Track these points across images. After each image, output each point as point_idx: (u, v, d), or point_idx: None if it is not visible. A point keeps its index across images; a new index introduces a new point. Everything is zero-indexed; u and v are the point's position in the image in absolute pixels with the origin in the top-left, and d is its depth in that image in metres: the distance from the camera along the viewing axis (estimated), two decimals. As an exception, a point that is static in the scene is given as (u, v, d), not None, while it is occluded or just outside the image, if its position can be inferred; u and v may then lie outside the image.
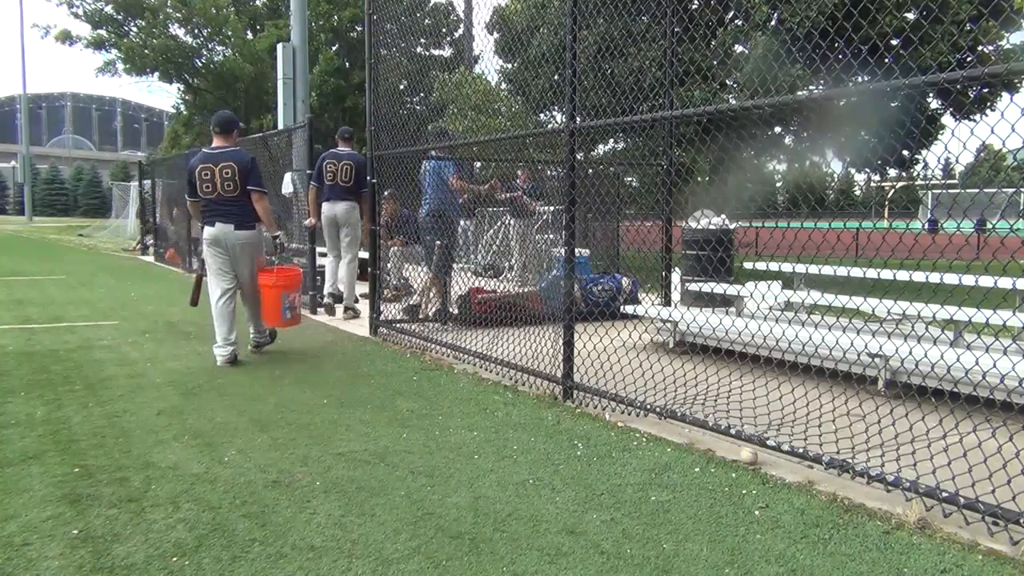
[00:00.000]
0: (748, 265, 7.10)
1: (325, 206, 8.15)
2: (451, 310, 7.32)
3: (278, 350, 6.26)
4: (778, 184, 15.11)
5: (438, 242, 7.15)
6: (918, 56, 10.90)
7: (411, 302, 7.61)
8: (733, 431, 3.64)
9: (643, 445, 3.77)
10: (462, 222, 10.98)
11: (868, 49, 9.95)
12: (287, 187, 9.54)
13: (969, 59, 11.89)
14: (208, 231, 5.77)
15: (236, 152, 5.85)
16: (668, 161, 6.60)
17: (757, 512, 2.94)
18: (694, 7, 11.24)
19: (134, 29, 29.51)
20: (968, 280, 4.36)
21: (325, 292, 8.45)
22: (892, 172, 15.71)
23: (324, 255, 8.53)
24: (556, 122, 11.20)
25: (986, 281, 4.13)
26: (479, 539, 2.68)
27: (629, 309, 6.38)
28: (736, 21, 13.19)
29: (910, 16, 12.15)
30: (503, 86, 15.56)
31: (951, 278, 4.86)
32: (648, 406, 4.12)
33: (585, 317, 5.90)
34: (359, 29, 29.01)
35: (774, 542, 2.67)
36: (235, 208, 5.73)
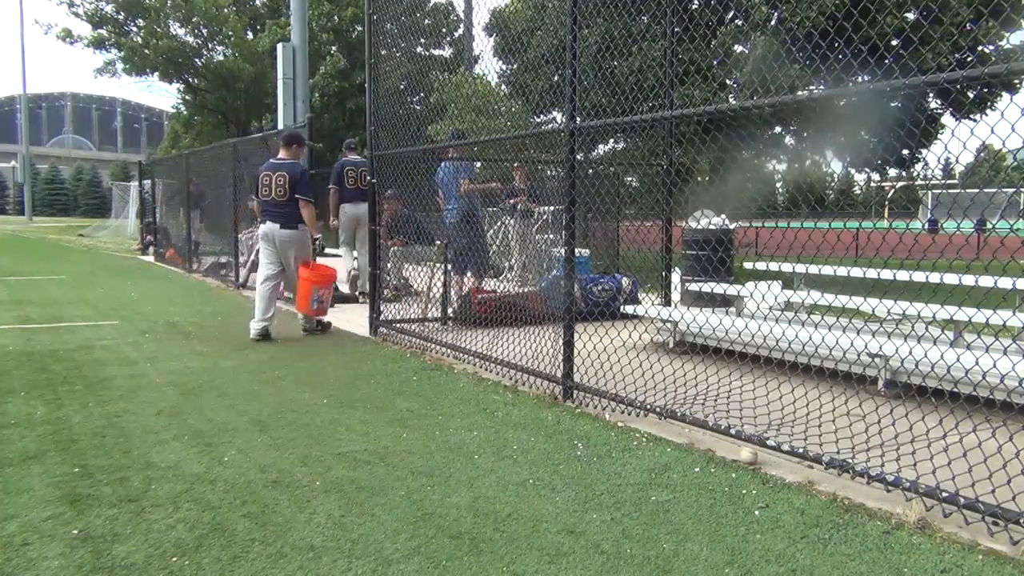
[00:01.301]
0: (748, 265, 7.10)
1: (348, 207, 9.22)
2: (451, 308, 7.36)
3: (278, 350, 6.27)
4: (778, 184, 15.10)
5: (474, 241, 7.35)
6: (918, 56, 10.89)
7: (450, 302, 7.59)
8: (733, 431, 3.64)
9: (643, 445, 3.77)
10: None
11: (868, 49, 9.94)
12: None
13: (969, 59, 11.88)
14: (261, 228, 6.97)
15: (292, 164, 6.96)
16: (668, 161, 6.60)
17: (757, 512, 2.94)
18: (694, 7, 11.24)
19: (134, 28, 29.51)
20: (968, 280, 4.36)
21: (364, 290, 8.99)
22: (892, 172, 15.70)
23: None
24: (556, 122, 11.18)
25: (986, 281, 4.12)
26: (479, 539, 2.68)
27: (629, 309, 6.38)
28: (736, 21, 13.18)
29: (910, 16, 12.14)
30: (503, 89, 15.55)
31: (951, 278, 4.86)
32: (648, 406, 4.12)
33: (585, 317, 5.90)
34: (359, 29, 29.01)
35: (774, 542, 2.67)
36: (283, 211, 6.83)
